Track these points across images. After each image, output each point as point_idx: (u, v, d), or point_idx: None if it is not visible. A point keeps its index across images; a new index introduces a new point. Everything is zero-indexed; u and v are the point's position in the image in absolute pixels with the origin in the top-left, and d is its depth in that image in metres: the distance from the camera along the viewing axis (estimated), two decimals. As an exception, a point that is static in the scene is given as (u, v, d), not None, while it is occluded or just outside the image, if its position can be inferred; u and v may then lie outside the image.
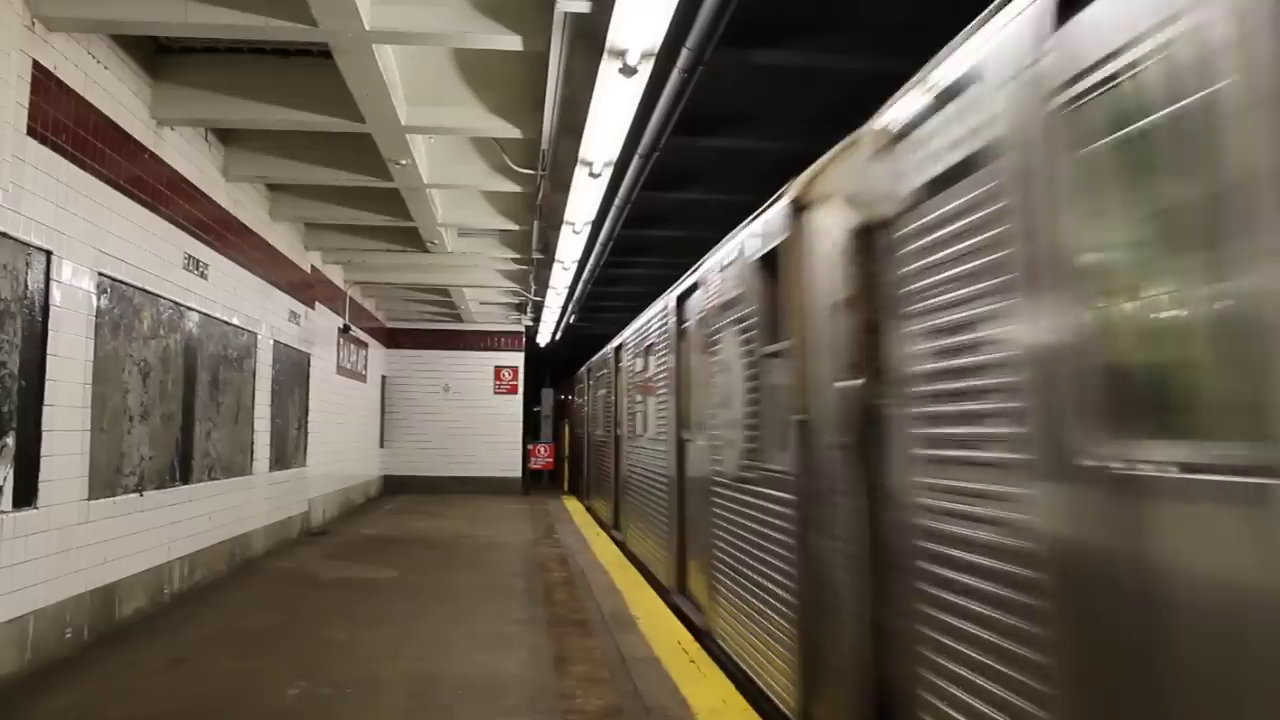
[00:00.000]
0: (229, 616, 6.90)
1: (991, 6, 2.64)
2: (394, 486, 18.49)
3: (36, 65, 5.32)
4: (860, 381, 3.42)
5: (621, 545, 10.95)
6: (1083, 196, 2.19)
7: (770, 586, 4.60)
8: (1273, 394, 1.61)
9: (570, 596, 7.77)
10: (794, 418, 4.14)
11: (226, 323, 8.69)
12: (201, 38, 6.52)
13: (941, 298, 2.83)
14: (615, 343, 11.92)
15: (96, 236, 6.03)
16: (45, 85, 5.41)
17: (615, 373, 11.84)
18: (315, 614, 7.01)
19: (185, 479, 7.70)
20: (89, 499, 5.97)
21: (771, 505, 4.56)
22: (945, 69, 2.89)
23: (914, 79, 3.13)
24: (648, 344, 9.07)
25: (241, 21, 5.56)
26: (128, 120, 6.53)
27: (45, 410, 5.40)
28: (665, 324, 7.92)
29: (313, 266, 12.06)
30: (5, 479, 5.03)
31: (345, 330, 14.20)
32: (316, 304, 12.33)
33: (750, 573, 5.01)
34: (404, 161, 7.93)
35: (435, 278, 14.07)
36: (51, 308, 5.47)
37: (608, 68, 5.34)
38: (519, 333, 19.43)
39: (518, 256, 12.58)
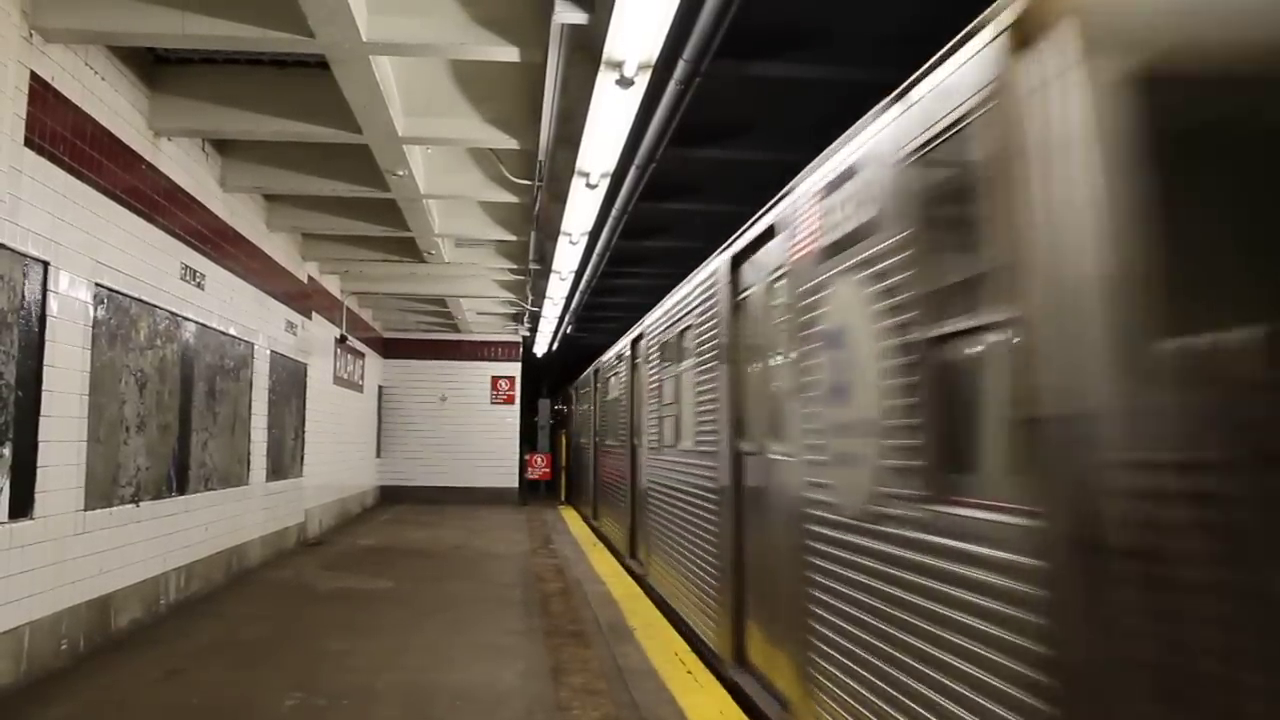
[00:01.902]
0: (225, 627, 6.88)
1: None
2: (391, 496, 18.45)
3: (34, 76, 5.33)
4: None
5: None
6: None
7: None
8: None
9: (567, 607, 7.75)
10: None
11: (223, 333, 8.69)
12: (199, 49, 6.53)
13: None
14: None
15: (93, 247, 6.03)
16: (43, 96, 5.42)
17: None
18: (311, 624, 6.99)
19: (182, 489, 7.69)
20: (85, 510, 5.96)
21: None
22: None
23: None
24: None
25: (239, 33, 5.57)
26: (125, 131, 6.54)
27: (42, 421, 5.39)
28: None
29: (309, 277, 12.07)
30: (1, 490, 5.01)
31: (342, 340, 14.20)
32: (313, 314, 12.33)
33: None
34: (401, 172, 7.95)
35: (432, 288, 14.08)
36: (48, 318, 5.46)
37: (605, 79, 5.36)
38: (516, 343, 19.43)
39: (515, 267, 12.59)
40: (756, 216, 5.02)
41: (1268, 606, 1.79)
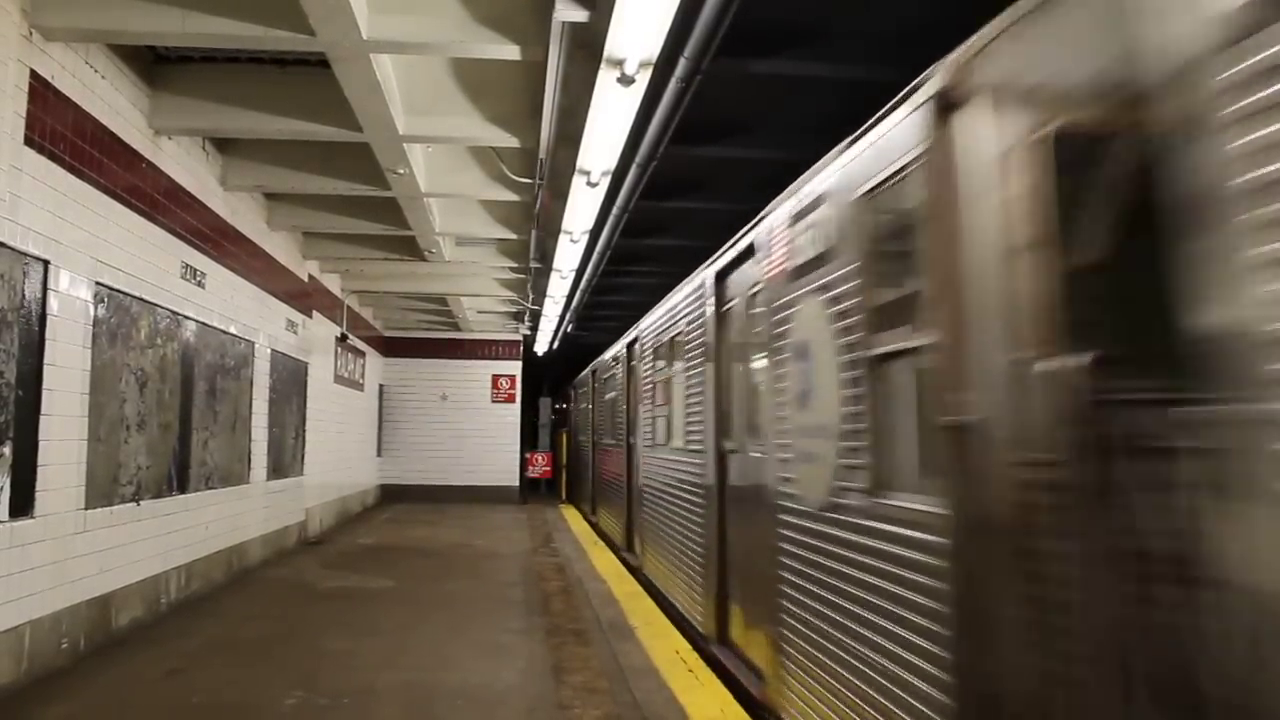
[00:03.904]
0: (226, 626, 6.88)
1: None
2: (391, 495, 18.45)
3: (34, 75, 5.32)
4: None
5: None
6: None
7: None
8: None
9: (568, 606, 7.75)
10: None
11: (224, 332, 8.68)
12: (199, 47, 6.52)
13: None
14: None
15: (94, 246, 6.03)
16: (43, 95, 5.42)
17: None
18: (312, 624, 6.99)
19: (182, 488, 7.68)
20: (86, 508, 5.95)
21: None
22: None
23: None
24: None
25: (239, 31, 5.56)
26: (125, 130, 6.53)
27: (42, 420, 5.38)
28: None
29: (310, 275, 12.06)
30: (2, 488, 5.01)
31: (343, 339, 14.19)
32: (314, 313, 12.32)
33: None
34: (402, 170, 7.94)
35: (433, 286, 14.07)
36: (49, 317, 5.46)
37: (606, 77, 5.35)
38: (516, 341, 19.42)
39: (515, 265, 12.58)
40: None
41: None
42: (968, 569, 2.64)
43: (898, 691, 3.07)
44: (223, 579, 8.65)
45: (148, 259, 6.89)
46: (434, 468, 18.82)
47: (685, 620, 6.87)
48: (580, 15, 4.99)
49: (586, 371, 16.18)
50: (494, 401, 19.31)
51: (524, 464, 20.21)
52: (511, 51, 5.71)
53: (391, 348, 18.88)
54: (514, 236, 10.51)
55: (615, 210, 8.96)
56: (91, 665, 5.69)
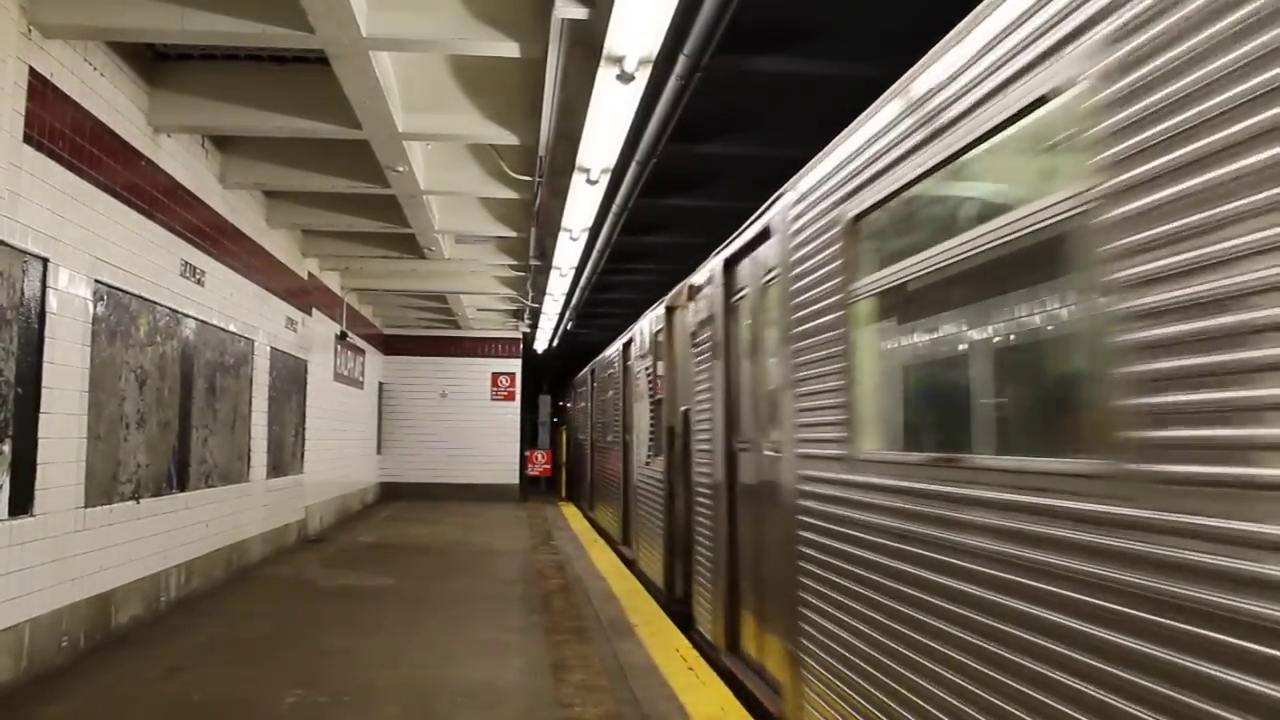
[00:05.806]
0: (226, 624, 6.87)
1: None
2: (391, 493, 18.45)
3: (33, 72, 5.31)
4: None
5: None
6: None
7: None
8: None
9: (568, 603, 7.75)
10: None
11: (223, 329, 8.67)
12: (198, 45, 6.51)
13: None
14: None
15: (93, 243, 6.02)
16: (42, 92, 5.41)
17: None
18: (312, 622, 6.99)
19: (182, 486, 7.68)
20: (85, 507, 5.95)
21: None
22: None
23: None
24: None
25: (238, 29, 5.55)
26: (125, 127, 6.52)
27: (42, 418, 5.38)
28: None
29: (310, 273, 12.05)
30: (2, 486, 5.01)
31: (342, 337, 14.18)
32: (314, 310, 12.32)
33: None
34: (401, 168, 7.93)
35: (432, 284, 14.06)
36: (48, 315, 5.45)
37: (605, 74, 5.34)
38: (516, 339, 19.42)
39: (515, 263, 12.58)
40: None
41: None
42: None
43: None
44: (223, 577, 8.65)
45: (147, 257, 6.89)
46: (434, 465, 18.82)
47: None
48: (580, 12, 4.98)
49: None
50: (494, 399, 19.31)
51: (524, 462, 20.22)
52: (511, 49, 5.70)
53: (391, 345, 18.87)
54: (513, 234, 10.51)
55: (615, 208, 8.95)
56: (91, 663, 5.69)
